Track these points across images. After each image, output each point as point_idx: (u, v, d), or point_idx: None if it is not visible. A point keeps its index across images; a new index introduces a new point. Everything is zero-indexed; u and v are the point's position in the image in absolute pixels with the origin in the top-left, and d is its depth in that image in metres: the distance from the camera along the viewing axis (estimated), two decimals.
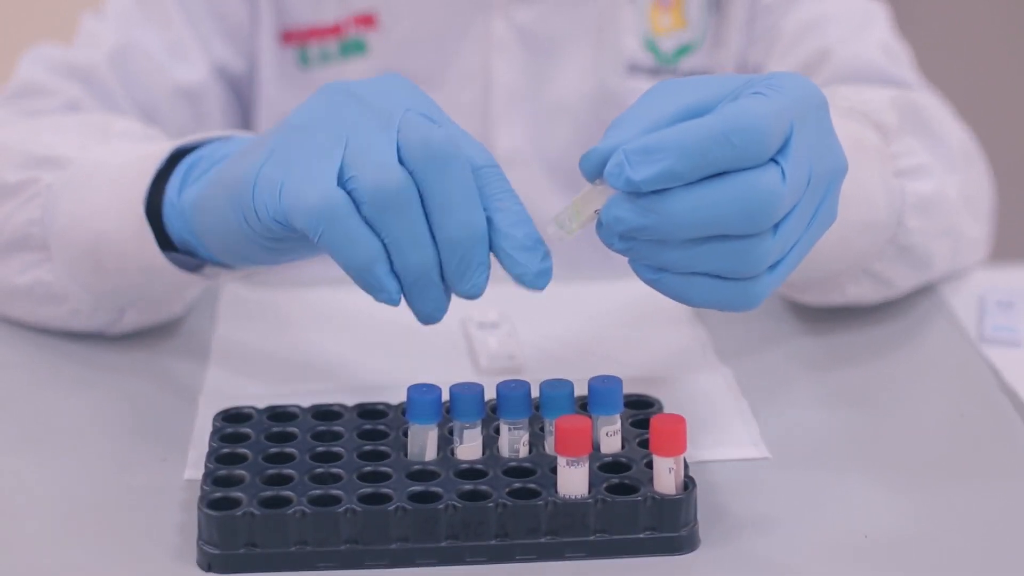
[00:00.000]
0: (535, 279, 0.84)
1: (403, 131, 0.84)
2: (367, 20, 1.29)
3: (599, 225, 0.83)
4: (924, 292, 1.16)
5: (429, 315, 0.85)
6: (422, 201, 0.83)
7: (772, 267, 0.84)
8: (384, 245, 0.83)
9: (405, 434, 0.90)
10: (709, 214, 0.80)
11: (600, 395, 0.89)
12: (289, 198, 0.84)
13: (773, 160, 0.81)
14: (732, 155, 0.80)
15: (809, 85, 0.84)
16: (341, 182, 0.83)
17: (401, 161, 0.83)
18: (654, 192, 0.80)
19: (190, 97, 1.27)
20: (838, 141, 0.86)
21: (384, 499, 0.84)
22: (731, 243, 0.81)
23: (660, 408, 0.94)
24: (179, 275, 0.99)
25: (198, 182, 0.96)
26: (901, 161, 1.09)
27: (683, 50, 1.31)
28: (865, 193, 1.04)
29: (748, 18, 1.30)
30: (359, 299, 1.13)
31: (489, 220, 0.84)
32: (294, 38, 1.30)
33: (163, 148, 1.00)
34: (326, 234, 0.83)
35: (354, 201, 0.83)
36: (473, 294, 0.84)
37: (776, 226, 0.82)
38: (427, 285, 0.84)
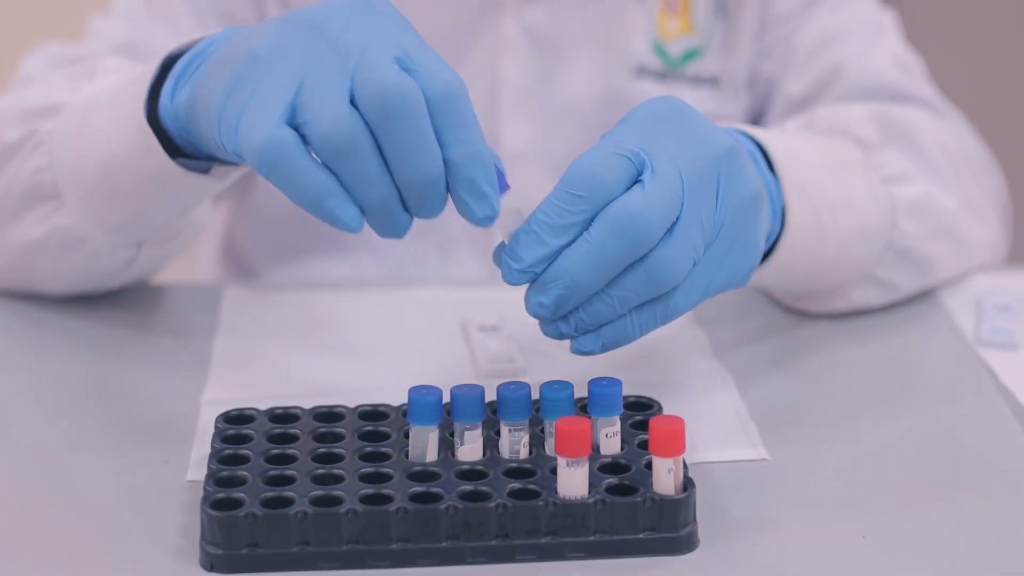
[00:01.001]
0: (480, 223, 0.86)
1: (358, 75, 0.84)
2: None
3: (544, 325, 0.89)
4: (922, 295, 1.16)
5: (391, 235, 0.87)
6: (378, 144, 0.84)
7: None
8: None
9: (406, 435, 0.90)
10: (608, 269, 0.86)
11: (600, 397, 0.89)
12: (241, 138, 0.85)
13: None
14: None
15: (705, 139, 0.89)
16: (293, 123, 0.84)
17: (355, 104, 0.83)
18: (547, 267, 0.85)
19: None
20: (749, 170, 0.90)
21: (385, 500, 0.85)
22: (639, 267, 0.87)
23: (659, 409, 0.94)
24: (190, 179, 0.98)
25: (187, 84, 0.95)
26: (884, 170, 1.11)
27: (690, 55, 1.32)
28: (854, 201, 1.06)
29: (759, 27, 1.31)
30: (360, 302, 1.14)
31: (446, 159, 0.85)
32: None
33: (154, 63, 0.99)
34: (271, 175, 0.84)
35: (309, 143, 0.84)
36: (431, 216, 0.86)
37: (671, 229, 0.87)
38: (388, 214, 0.85)
